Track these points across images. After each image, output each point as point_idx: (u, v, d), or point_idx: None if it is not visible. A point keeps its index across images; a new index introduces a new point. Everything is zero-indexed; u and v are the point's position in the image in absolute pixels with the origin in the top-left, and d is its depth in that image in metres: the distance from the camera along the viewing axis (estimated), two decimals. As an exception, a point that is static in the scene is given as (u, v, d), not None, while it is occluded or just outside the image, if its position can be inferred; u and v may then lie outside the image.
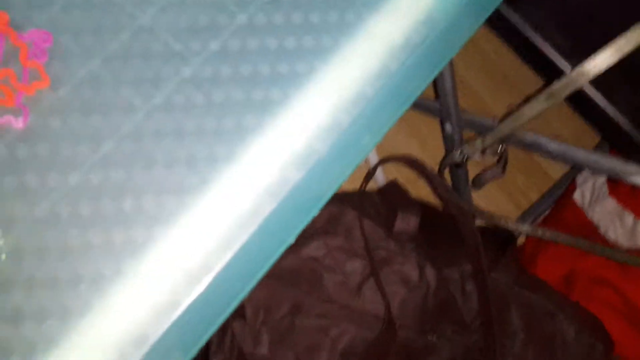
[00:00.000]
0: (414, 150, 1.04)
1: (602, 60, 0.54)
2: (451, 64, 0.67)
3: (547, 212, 1.01)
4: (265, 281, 0.65)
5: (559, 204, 0.97)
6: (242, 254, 0.37)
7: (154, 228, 0.35)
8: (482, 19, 0.41)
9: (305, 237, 0.67)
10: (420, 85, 0.39)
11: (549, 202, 1.00)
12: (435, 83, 0.72)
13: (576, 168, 1.00)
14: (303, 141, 0.37)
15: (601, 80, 0.57)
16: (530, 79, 1.00)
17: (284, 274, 0.65)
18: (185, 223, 0.35)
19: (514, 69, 1.07)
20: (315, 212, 0.37)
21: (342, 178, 0.38)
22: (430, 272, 0.68)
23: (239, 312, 0.64)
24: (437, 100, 0.77)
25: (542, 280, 0.77)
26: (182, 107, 0.36)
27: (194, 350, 0.35)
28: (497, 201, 1.04)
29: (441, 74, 0.68)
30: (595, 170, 0.65)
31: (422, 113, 1.01)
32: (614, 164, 0.62)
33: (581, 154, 0.64)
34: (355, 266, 0.67)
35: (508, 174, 1.05)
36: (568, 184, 0.97)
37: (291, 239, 0.37)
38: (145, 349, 0.34)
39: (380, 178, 0.92)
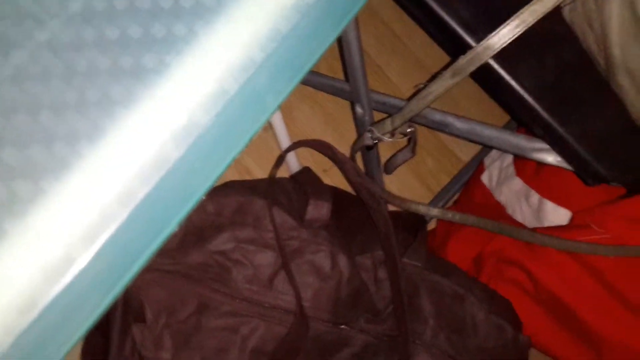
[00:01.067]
0: (329, 137, 1.02)
1: (505, 34, 0.53)
2: (359, 43, 0.65)
3: (457, 195, 1.02)
4: (168, 280, 0.60)
5: (468, 186, 0.99)
6: (145, 209, 0.32)
7: (43, 181, 0.30)
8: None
9: (210, 230, 0.63)
10: (319, 47, 0.36)
11: (459, 185, 1.02)
12: (344, 64, 0.70)
13: (484, 148, 1.02)
14: (211, 84, 0.33)
15: (506, 55, 0.56)
16: (443, 60, 1.00)
17: (188, 271, 0.61)
18: (79, 173, 0.31)
19: (425, 51, 1.07)
20: (223, 165, 0.33)
21: (248, 133, 0.34)
22: (343, 261, 0.66)
23: (139, 316, 0.59)
24: (347, 82, 0.75)
25: (451, 263, 0.77)
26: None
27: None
28: (409, 185, 1.04)
29: (349, 53, 0.65)
30: (501, 148, 0.66)
31: (336, 98, 1.00)
32: (518, 140, 0.62)
33: (487, 132, 0.64)
34: (266, 258, 0.64)
35: (419, 157, 1.06)
36: (477, 166, 0.98)
37: (200, 194, 0.33)
38: (35, 312, 0.30)
39: (294, 166, 0.89)
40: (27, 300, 0.30)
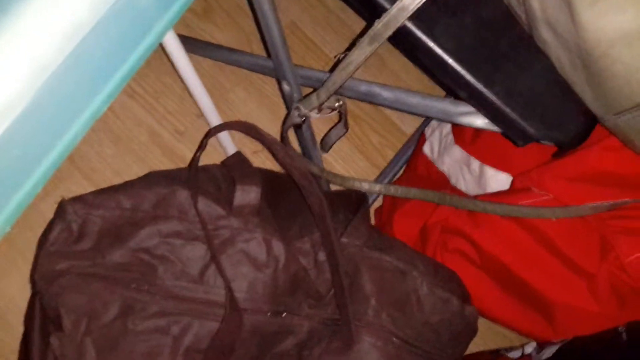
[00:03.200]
0: (265, 119, 0.99)
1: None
2: (275, 14, 0.61)
3: (403, 169, 1.00)
4: (86, 283, 0.56)
5: (412, 159, 0.96)
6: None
7: None
8: None
9: (129, 228, 0.58)
10: None
11: (404, 159, 0.99)
12: (264, 40, 0.66)
13: (426, 120, 1.00)
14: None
15: (423, 17, 0.53)
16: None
17: (110, 272, 0.57)
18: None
19: (362, 23, 1.04)
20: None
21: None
22: (278, 247, 0.63)
23: (58, 325, 0.55)
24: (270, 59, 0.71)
25: (394, 238, 0.75)
26: None
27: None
28: (355, 163, 1.01)
29: (266, 26, 0.62)
30: (428, 115, 0.63)
31: (272, 80, 0.96)
32: (444, 105, 0.60)
33: (413, 99, 0.61)
34: (195, 251, 0.60)
35: (363, 134, 1.03)
36: (418, 139, 0.96)
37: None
38: None
39: (230, 149, 0.85)
40: None
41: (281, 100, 0.98)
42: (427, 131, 0.91)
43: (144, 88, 0.92)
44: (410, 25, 0.54)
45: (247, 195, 0.63)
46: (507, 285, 0.73)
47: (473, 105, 0.57)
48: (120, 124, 0.91)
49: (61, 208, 0.56)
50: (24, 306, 0.62)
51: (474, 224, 0.73)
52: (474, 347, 0.76)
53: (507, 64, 0.56)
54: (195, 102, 0.94)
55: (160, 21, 0.34)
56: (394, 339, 0.62)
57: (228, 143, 0.86)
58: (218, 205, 0.62)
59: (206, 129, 0.93)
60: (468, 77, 0.54)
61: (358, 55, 0.56)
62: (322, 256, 0.66)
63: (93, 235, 0.57)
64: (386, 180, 0.97)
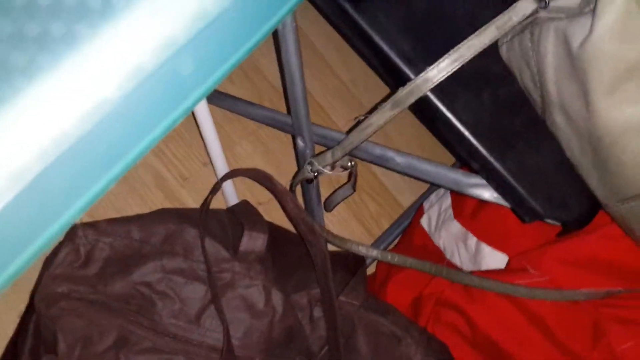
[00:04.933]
0: (270, 174, 1.00)
1: (444, 67, 0.54)
2: (301, 73, 0.64)
3: (397, 240, 1.01)
4: (85, 309, 0.55)
5: (408, 231, 0.98)
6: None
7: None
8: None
9: (135, 259, 0.58)
10: (248, 37, 0.34)
11: (399, 230, 1.01)
12: (287, 97, 0.69)
13: (424, 194, 1.02)
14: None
15: (444, 90, 0.57)
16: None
17: (108, 300, 0.56)
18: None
19: (369, 97, 1.09)
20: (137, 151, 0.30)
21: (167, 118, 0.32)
22: (277, 297, 0.63)
23: (52, 348, 0.53)
24: (289, 115, 0.74)
25: (389, 304, 0.75)
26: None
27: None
28: (350, 228, 1.03)
29: (291, 84, 0.65)
30: (438, 183, 0.66)
31: (278, 136, 0.99)
32: (456, 175, 0.62)
33: (425, 166, 0.63)
34: (195, 292, 0.60)
35: (360, 201, 1.05)
36: (416, 211, 0.98)
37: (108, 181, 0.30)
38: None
39: (232, 199, 0.86)
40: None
41: (286, 156, 1.00)
42: (426, 204, 0.93)
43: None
44: (432, 96, 0.58)
45: (254, 242, 0.63)
46: (497, 363, 0.73)
47: (484, 178, 0.59)
48: (127, 163, 0.92)
49: (72, 231, 0.56)
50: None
51: (468, 299, 0.74)
52: None
53: (520, 142, 0.59)
54: (202, 151, 0.97)
55: (198, 90, 0.34)
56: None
57: (231, 192, 0.87)
58: (223, 248, 0.63)
59: (211, 178, 0.94)
60: (483, 150, 0.57)
61: (378, 118, 0.59)
62: (317, 312, 0.66)
63: (99, 262, 0.56)
64: (381, 248, 0.98)
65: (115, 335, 0.55)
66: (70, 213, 0.30)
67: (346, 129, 1.06)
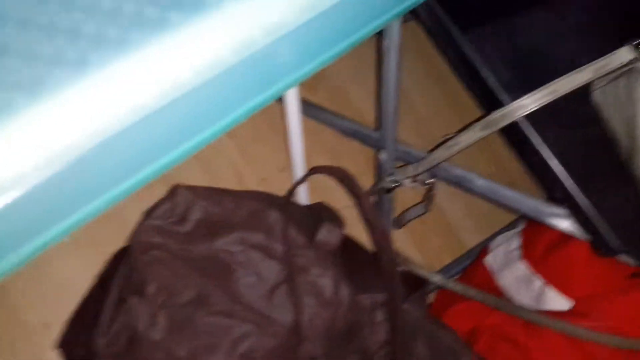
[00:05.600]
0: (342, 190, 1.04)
1: (538, 98, 0.58)
2: (397, 94, 0.69)
3: (457, 277, 1.02)
4: (173, 262, 0.59)
5: (470, 268, 0.99)
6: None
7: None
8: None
9: (223, 227, 0.63)
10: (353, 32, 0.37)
11: (460, 268, 1.02)
12: (378, 112, 0.73)
13: (490, 237, 1.03)
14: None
15: (536, 119, 0.60)
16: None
17: (194, 258, 0.60)
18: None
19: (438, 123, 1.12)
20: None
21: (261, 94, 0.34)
22: (344, 290, 0.65)
23: (138, 291, 0.57)
24: (376, 131, 0.78)
25: (448, 325, 0.76)
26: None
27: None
28: (411, 256, 1.04)
29: (386, 100, 0.69)
30: (518, 209, 0.67)
31: (353, 154, 1.03)
32: (537, 204, 0.64)
33: (506, 192, 0.66)
34: (270, 269, 0.63)
35: (424, 234, 1.07)
36: (480, 250, 0.99)
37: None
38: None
39: (304, 201, 0.90)
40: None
41: (357, 173, 1.03)
42: (492, 244, 0.94)
43: (243, 132, 1.00)
44: (523, 122, 0.61)
45: (331, 234, 0.67)
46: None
47: (567, 208, 0.61)
48: (212, 156, 0.98)
49: (173, 190, 0.61)
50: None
51: (528, 335, 0.74)
52: None
53: (606, 179, 0.61)
54: (282, 156, 1.01)
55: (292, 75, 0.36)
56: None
57: (305, 197, 0.91)
58: (301, 235, 0.66)
59: (286, 183, 0.99)
60: (569, 181, 0.59)
61: (467, 137, 0.62)
62: (379, 316, 0.68)
63: (192, 222, 0.61)
64: (440, 282, 0.98)
65: (196, 293, 0.59)
66: (146, 174, 0.33)
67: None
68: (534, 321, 0.73)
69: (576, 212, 0.61)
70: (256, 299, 0.62)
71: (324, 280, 0.64)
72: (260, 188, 0.98)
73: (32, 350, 0.74)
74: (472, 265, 0.98)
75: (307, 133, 1.03)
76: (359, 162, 1.04)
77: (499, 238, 0.95)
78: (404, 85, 1.12)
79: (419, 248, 1.05)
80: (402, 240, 1.04)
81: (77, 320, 0.65)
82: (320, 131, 1.00)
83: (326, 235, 0.66)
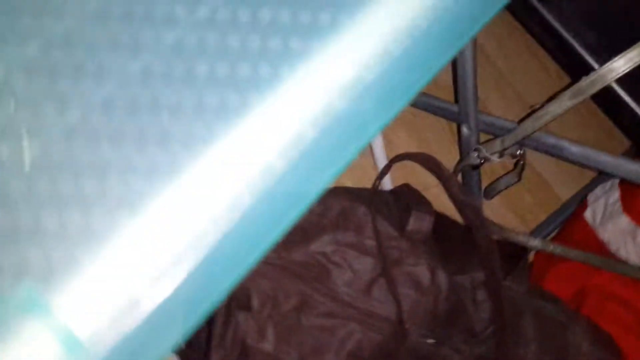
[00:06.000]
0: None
1: (632, 58, 0.53)
2: (475, 63, 0.66)
3: (555, 232, 0.99)
4: (273, 272, 0.62)
5: (567, 224, 0.95)
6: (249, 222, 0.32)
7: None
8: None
9: (314, 231, 0.64)
10: (426, 73, 0.35)
11: (557, 222, 0.98)
12: (455, 84, 0.71)
13: (586, 186, 0.99)
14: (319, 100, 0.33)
15: (629, 80, 0.56)
16: (543, 96, 1.00)
17: (291, 266, 0.62)
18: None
19: (526, 88, 1.07)
20: (324, 183, 0.33)
21: (350, 153, 0.33)
22: (441, 276, 0.65)
23: (244, 304, 0.61)
24: (454, 104, 0.76)
25: (553, 293, 0.75)
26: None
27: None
28: (504, 219, 1.02)
29: (463, 73, 0.67)
30: (617, 174, 0.64)
31: (433, 126, 1.01)
32: (636, 167, 0.60)
33: (604, 158, 0.62)
34: (366, 264, 0.65)
35: (516, 193, 1.04)
36: (578, 204, 0.95)
37: (295, 215, 0.33)
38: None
39: (388, 186, 0.90)
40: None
41: (440, 148, 1.01)
42: (590, 197, 0.90)
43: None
44: (615, 86, 0.57)
45: (421, 222, 0.67)
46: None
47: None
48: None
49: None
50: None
51: (638, 293, 0.71)
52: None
53: None
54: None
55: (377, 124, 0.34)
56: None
57: (387, 178, 0.91)
58: (391, 226, 0.66)
59: (367, 167, 0.99)
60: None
61: (556, 107, 0.59)
62: (480, 295, 0.68)
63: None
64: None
65: (297, 299, 0.61)
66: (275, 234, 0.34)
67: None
68: (643, 279, 0.70)
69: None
70: (356, 296, 0.63)
71: (420, 269, 0.65)
72: (343, 176, 0.99)
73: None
74: (570, 221, 0.95)
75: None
76: (440, 135, 1.02)
77: (597, 190, 0.90)
78: (484, 45, 1.08)
79: (512, 208, 1.02)
80: (493, 203, 1.02)
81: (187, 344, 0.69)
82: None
83: (416, 224, 0.66)
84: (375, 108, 0.33)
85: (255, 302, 0.59)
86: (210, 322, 0.62)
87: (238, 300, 0.60)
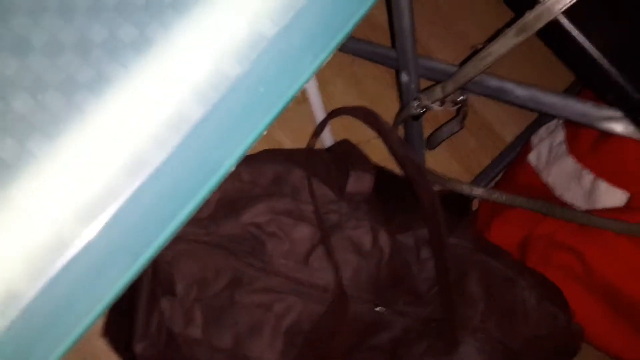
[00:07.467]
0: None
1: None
2: (410, 4, 0.59)
3: (499, 177, 0.96)
4: (200, 251, 0.56)
5: (511, 168, 0.93)
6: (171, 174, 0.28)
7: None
8: None
9: (245, 200, 0.58)
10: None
11: (501, 166, 0.96)
12: (392, 28, 0.64)
13: (529, 127, 0.96)
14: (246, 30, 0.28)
15: (577, 12, 0.51)
16: (483, 32, 0.94)
17: (221, 241, 0.57)
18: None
19: (468, 23, 1.01)
20: (266, 123, 0.29)
21: (285, 94, 0.30)
22: (384, 238, 0.61)
23: (168, 289, 0.55)
24: (392, 49, 0.70)
25: (499, 246, 0.72)
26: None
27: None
28: (447, 166, 0.99)
29: (398, 14, 0.60)
30: (565, 116, 0.60)
31: (372, 73, 0.94)
32: (586, 108, 0.56)
33: (551, 99, 0.58)
34: (304, 232, 0.59)
35: (460, 137, 1.00)
36: (522, 146, 0.92)
37: (228, 164, 0.28)
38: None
39: (328, 140, 0.84)
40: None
41: (380, 94, 0.96)
42: (534, 139, 0.87)
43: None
44: (562, 19, 0.51)
45: (361, 182, 0.62)
46: (616, 307, 0.69)
47: (621, 110, 0.53)
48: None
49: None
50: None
51: (585, 240, 0.69)
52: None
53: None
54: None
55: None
56: (500, 346, 0.59)
57: (327, 132, 0.85)
58: (329, 189, 0.61)
59: (305, 116, 0.92)
60: (622, 80, 0.51)
61: (500, 46, 0.54)
62: (425, 253, 0.64)
63: (211, 205, 0.56)
64: (482, 186, 0.93)
65: (230, 276, 0.56)
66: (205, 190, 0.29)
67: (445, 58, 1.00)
68: (589, 224, 0.68)
69: (632, 113, 0.53)
70: (294, 267, 0.58)
71: (360, 231, 0.60)
72: (279, 130, 0.93)
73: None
74: (514, 164, 0.93)
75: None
76: (378, 78, 0.96)
77: (541, 131, 0.88)
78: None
79: (454, 153, 0.99)
80: (435, 152, 0.98)
81: (108, 332, 0.63)
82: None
83: (355, 184, 0.61)
84: (307, 42, 0.27)
85: (179, 287, 0.53)
86: (132, 312, 0.56)
87: (162, 286, 0.54)
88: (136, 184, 0.27)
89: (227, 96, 0.28)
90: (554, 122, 0.86)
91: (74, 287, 0.26)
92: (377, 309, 0.61)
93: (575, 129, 0.79)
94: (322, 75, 0.95)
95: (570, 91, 0.97)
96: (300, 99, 0.92)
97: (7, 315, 0.25)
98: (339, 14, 0.31)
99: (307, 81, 0.32)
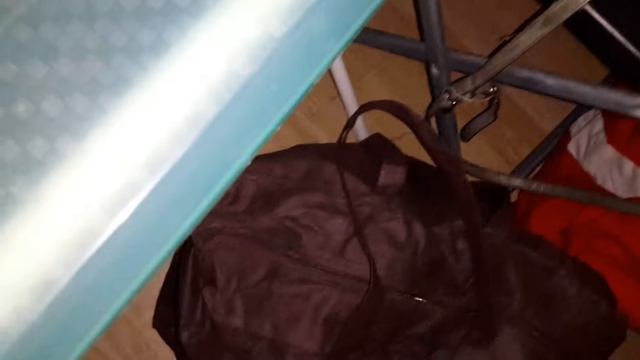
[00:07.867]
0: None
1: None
2: (438, 2, 0.60)
3: (539, 168, 0.95)
4: (238, 243, 0.58)
5: (551, 158, 0.92)
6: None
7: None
8: None
9: (279, 194, 0.60)
10: None
11: (541, 157, 0.95)
12: (420, 22, 0.65)
13: (569, 117, 0.95)
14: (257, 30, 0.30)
15: (604, 1, 0.50)
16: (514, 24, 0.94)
17: (257, 234, 0.59)
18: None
19: (502, 15, 1.00)
20: (278, 120, 0.29)
21: (306, 80, 0.31)
22: (418, 229, 0.62)
23: (210, 280, 0.57)
24: (421, 42, 0.70)
25: (538, 236, 0.71)
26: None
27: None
28: (486, 157, 0.98)
29: (426, 8, 0.61)
30: (597, 106, 0.59)
31: (404, 66, 0.95)
32: (619, 97, 0.56)
33: (582, 89, 0.57)
34: (337, 225, 0.61)
35: (497, 128, 0.99)
36: (561, 136, 0.91)
37: (244, 160, 0.29)
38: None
39: (362, 133, 0.85)
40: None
41: (414, 88, 0.96)
42: (573, 129, 0.86)
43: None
44: (589, 9, 0.51)
45: (393, 175, 0.62)
46: (661, 296, 0.67)
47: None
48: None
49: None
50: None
51: (628, 228, 0.68)
52: (613, 358, 0.71)
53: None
54: (329, 85, 0.96)
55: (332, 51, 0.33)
56: (538, 335, 0.59)
57: (361, 126, 0.86)
58: (362, 182, 0.62)
59: (339, 112, 0.94)
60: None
61: (528, 37, 0.54)
62: (461, 244, 0.64)
63: (247, 199, 0.59)
64: (522, 177, 0.92)
65: (267, 268, 0.58)
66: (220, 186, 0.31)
67: (480, 52, 1.00)
68: (632, 212, 0.67)
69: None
70: (329, 258, 0.60)
71: (395, 224, 0.61)
72: (314, 124, 0.94)
73: (128, 332, 0.78)
74: (554, 155, 0.91)
75: (352, 52, 0.96)
76: (411, 72, 0.96)
77: (580, 120, 0.86)
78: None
79: (493, 144, 0.98)
80: (473, 141, 0.97)
81: (162, 305, 0.66)
82: (363, 47, 0.92)
83: (387, 177, 0.62)
84: (316, 40, 0.29)
85: (220, 277, 0.55)
86: (177, 302, 0.59)
87: (204, 277, 0.57)
88: (158, 177, 0.29)
89: (240, 94, 0.30)
90: (592, 112, 0.84)
91: (103, 274, 0.28)
92: (411, 297, 0.62)
93: (613, 118, 0.78)
94: (354, 70, 0.96)
95: (607, 83, 0.94)
96: (334, 94, 0.94)
97: (44, 300, 0.27)
98: (348, 12, 0.32)
99: (317, 79, 0.33)
